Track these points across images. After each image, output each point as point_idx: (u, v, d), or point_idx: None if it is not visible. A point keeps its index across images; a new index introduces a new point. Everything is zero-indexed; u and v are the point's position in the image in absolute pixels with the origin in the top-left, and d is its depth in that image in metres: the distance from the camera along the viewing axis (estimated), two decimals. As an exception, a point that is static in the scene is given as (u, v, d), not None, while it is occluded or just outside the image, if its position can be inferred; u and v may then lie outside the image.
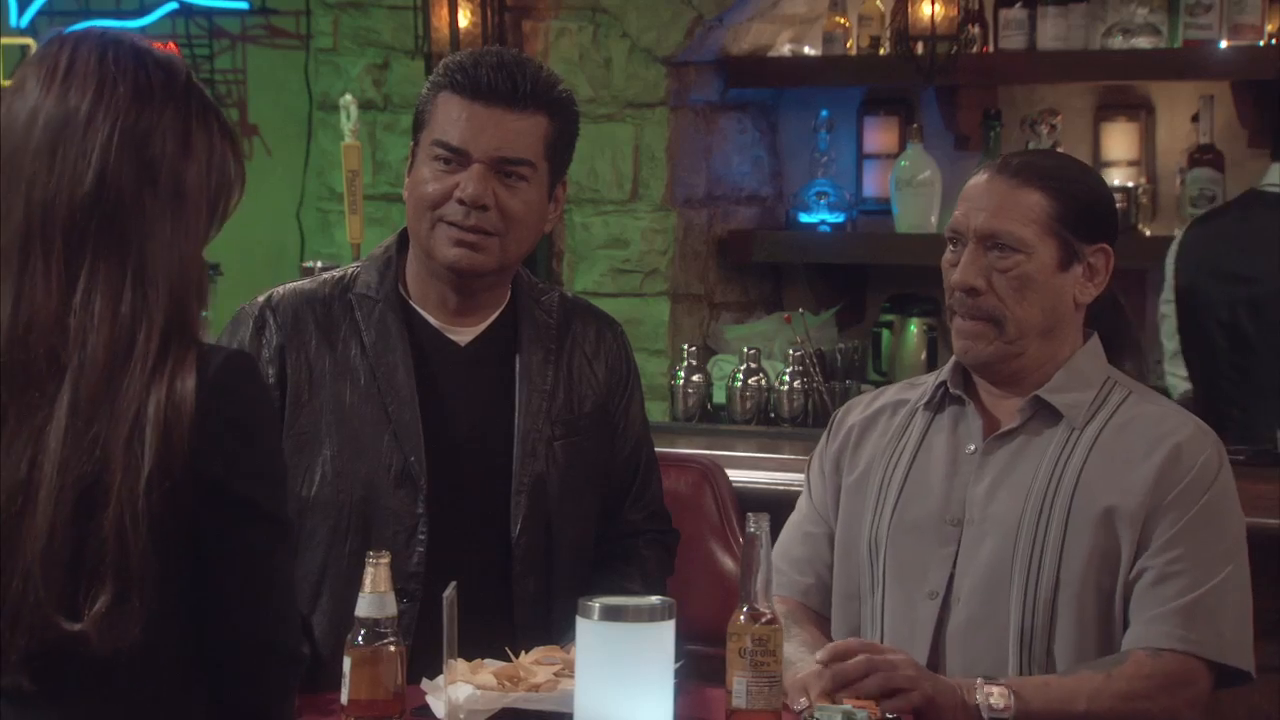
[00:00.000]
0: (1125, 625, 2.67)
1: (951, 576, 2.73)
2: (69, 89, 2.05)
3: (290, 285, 2.92)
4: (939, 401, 2.83)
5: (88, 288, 2.03)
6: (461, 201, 2.79)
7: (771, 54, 5.23)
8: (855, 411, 2.93)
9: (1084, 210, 2.75)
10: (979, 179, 2.78)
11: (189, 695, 2.10)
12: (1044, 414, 2.75)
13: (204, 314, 2.11)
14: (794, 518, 2.94)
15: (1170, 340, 4.36)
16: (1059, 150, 4.82)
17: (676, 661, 2.38)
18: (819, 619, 2.87)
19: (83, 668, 2.03)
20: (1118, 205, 4.64)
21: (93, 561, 2.01)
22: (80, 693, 2.05)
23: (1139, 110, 5.01)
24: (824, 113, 5.23)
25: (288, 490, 2.18)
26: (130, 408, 2.01)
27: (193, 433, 2.02)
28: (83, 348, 2.02)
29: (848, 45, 5.13)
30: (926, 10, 4.71)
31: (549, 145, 2.85)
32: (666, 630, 2.35)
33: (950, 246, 2.79)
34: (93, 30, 2.12)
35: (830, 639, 2.80)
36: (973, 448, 2.77)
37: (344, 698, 2.40)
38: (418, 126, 2.88)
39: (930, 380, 2.88)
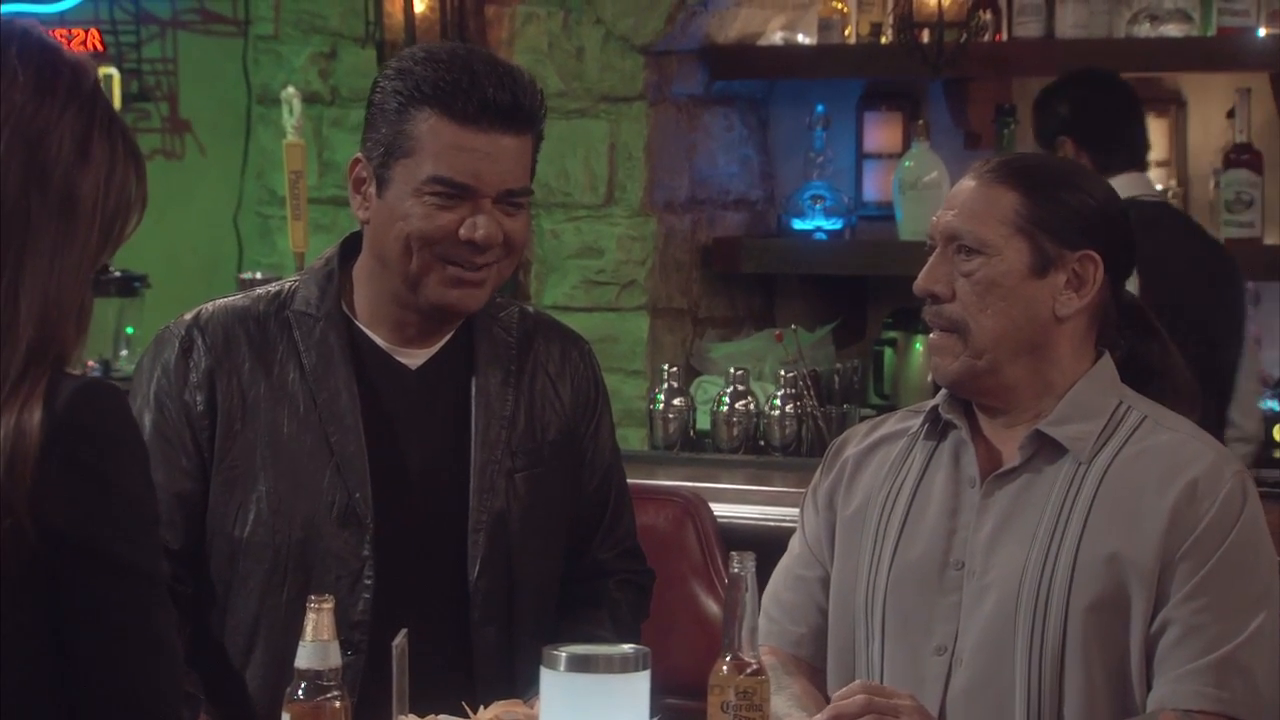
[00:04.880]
0: (1145, 684, 2.66)
1: (958, 631, 2.73)
2: None
3: (220, 301, 2.91)
4: (940, 431, 2.83)
5: None
6: (471, 242, 2.78)
7: (761, 43, 5.25)
8: (853, 442, 2.92)
9: (1068, 212, 2.73)
10: (962, 181, 2.79)
11: None
12: (1047, 450, 2.74)
13: (81, 340, 2.06)
14: (785, 560, 2.94)
15: None
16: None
17: (652, 716, 2.38)
18: (812, 671, 2.86)
19: None
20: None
21: None
22: None
23: (1169, 105, 5.03)
24: (820, 108, 5.25)
25: (156, 538, 2.10)
26: None
27: (35, 471, 1.98)
28: None
29: (846, 33, 5.15)
30: (933, -6, 4.73)
31: (534, 159, 2.86)
32: (640, 682, 2.35)
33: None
34: (2, 20, 2.12)
35: (824, 693, 2.80)
36: (974, 486, 2.76)
37: (281, 759, 2.39)
38: (392, 150, 2.80)
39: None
